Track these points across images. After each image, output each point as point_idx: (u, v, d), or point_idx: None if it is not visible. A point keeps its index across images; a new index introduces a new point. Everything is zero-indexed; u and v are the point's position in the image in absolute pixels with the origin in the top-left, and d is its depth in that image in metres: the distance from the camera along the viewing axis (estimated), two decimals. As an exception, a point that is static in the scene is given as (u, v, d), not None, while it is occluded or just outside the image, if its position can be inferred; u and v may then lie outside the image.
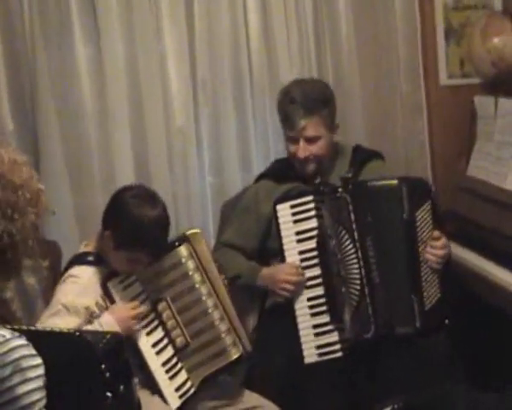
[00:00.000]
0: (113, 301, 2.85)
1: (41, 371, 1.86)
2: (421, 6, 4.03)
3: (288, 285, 3.18)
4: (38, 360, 1.86)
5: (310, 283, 3.20)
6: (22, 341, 1.86)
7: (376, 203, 3.20)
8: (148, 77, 3.83)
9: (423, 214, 3.16)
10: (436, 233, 3.19)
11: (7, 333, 1.86)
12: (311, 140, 3.31)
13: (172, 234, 3.08)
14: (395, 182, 3.18)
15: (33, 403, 1.84)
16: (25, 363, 1.84)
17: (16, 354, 1.83)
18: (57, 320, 2.77)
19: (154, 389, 2.86)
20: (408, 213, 3.15)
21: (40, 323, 2.79)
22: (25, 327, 2.18)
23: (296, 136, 3.33)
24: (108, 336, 2.21)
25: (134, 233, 2.87)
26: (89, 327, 2.72)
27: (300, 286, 3.18)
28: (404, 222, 3.15)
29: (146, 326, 2.89)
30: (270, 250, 3.37)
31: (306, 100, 3.33)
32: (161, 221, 2.92)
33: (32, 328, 2.28)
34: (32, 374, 1.85)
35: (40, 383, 1.85)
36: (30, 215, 2.05)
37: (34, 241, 2.09)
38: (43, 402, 1.86)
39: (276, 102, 3.45)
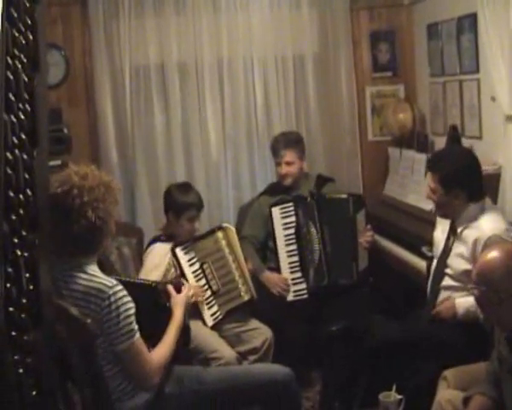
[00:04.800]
0: (178, 261, 2.85)
1: (131, 304, 2.01)
2: (358, 94, 4.03)
3: (279, 291, 3.19)
4: (129, 298, 2.02)
5: (289, 254, 3.20)
6: (120, 287, 2.02)
7: (332, 207, 3.20)
8: (195, 131, 3.86)
9: (360, 216, 3.19)
10: (367, 227, 3.23)
11: (114, 281, 2.03)
12: (288, 163, 3.33)
13: (208, 227, 3.18)
14: (345, 196, 3.20)
15: (131, 313, 2.01)
16: (124, 298, 2.00)
17: (119, 294, 1.99)
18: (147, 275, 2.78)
19: (199, 316, 2.88)
20: (352, 214, 3.15)
21: (142, 274, 2.85)
22: (123, 278, 2.28)
23: (280, 161, 3.35)
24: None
25: (179, 200, 2.92)
26: None
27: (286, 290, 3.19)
28: (349, 219, 3.15)
29: (195, 277, 2.89)
30: (268, 247, 3.37)
31: (285, 139, 3.36)
32: (191, 188, 2.99)
33: (127, 279, 2.32)
34: (125, 299, 2.00)
35: (131, 305, 2.02)
36: (109, 204, 2.05)
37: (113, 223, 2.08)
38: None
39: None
